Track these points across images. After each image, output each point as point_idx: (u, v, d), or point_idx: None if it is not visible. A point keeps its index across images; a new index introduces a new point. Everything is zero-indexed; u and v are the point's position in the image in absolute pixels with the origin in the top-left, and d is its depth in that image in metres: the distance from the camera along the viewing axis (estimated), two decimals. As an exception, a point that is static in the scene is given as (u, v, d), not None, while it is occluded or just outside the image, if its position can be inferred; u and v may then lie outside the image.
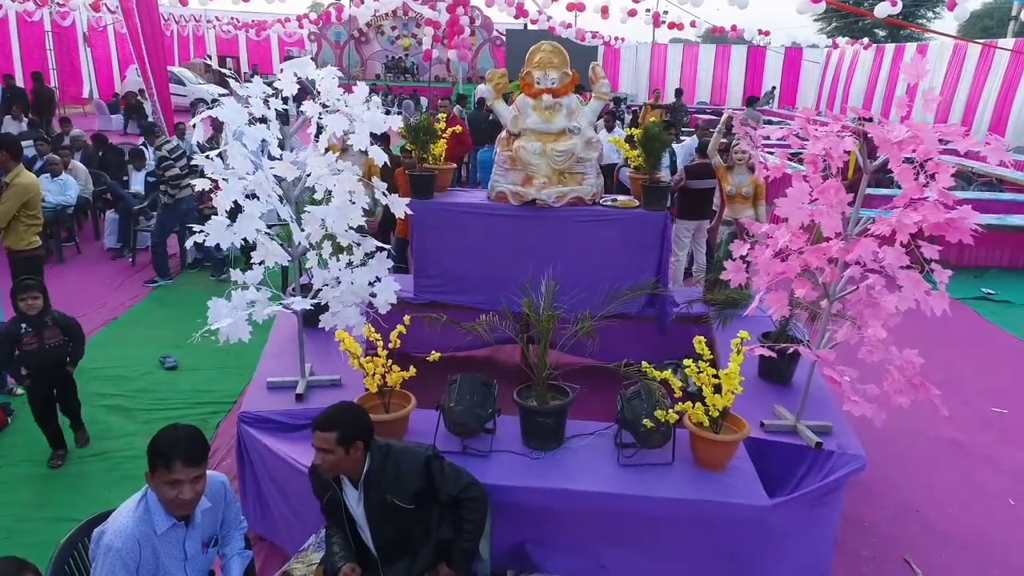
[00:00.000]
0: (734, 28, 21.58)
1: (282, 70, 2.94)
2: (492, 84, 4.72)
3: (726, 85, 27.87)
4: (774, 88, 26.38)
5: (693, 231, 6.61)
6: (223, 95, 2.85)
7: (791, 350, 3.12)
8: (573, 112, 4.61)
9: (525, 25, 20.84)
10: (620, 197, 4.83)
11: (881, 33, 33.60)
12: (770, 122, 21.88)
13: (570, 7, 16.57)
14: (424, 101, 22.08)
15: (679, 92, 17.09)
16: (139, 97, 16.20)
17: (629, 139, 4.80)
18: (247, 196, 2.81)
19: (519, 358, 4.91)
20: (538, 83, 4.55)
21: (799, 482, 3.02)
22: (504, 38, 26.14)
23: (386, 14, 25.70)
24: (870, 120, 7.80)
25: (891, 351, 2.85)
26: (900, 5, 12.20)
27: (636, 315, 4.65)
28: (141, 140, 10.26)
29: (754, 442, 3.07)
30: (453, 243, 4.70)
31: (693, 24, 18.74)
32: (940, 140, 2.63)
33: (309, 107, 3.01)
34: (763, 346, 3.05)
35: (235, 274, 3.01)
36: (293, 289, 3.37)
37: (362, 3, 16.17)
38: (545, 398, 2.92)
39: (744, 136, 4.00)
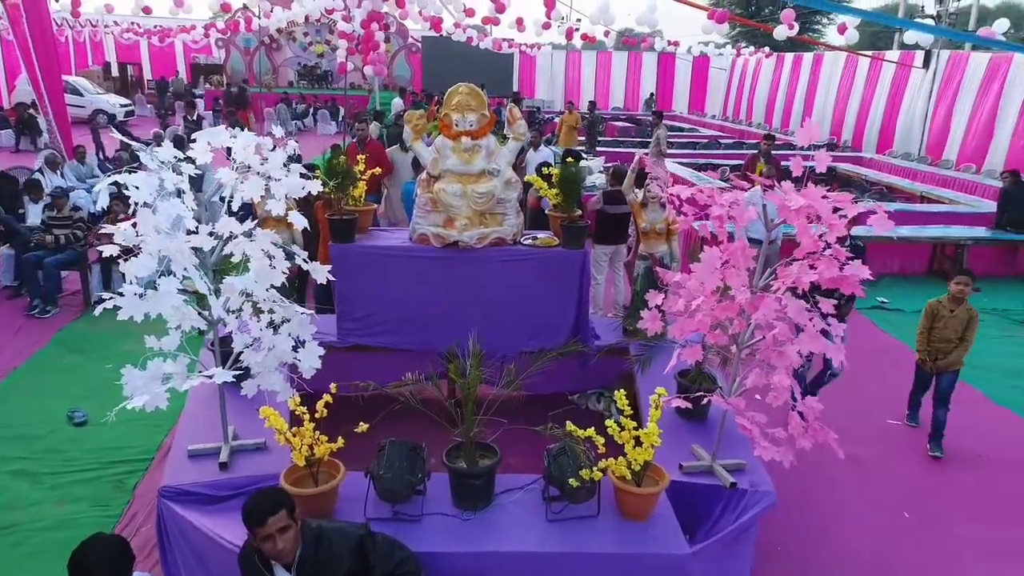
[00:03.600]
0: (645, 40, 22.22)
1: (194, 139, 2.88)
2: (411, 126, 4.74)
3: (638, 92, 28.70)
4: (652, 95, 27.25)
5: (611, 255, 6.80)
6: (132, 168, 2.77)
7: (705, 400, 3.29)
8: (492, 153, 4.69)
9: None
10: (540, 235, 4.95)
11: (780, 40, 35.30)
12: (680, 129, 22.72)
13: (485, 21, 16.68)
14: (341, 111, 21.74)
15: (592, 104, 17.49)
16: (31, 110, 15.26)
17: (547, 177, 4.91)
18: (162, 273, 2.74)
19: (446, 394, 4.96)
20: (456, 125, 4.60)
21: (716, 522, 3.20)
22: (420, 45, 26.02)
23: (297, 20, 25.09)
24: (773, 140, 8.13)
25: (795, 395, 3.05)
26: (796, 28, 12.86)
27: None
28: (37, 166, 9.70)
29: (674, 485, 3.21)
30: (376, 286, 4.70)
31: (607, 34, 19.14)
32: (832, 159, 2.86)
33: (224, 174, 2.96)
34: (680, 397, 3.20)
35: (150, 340, 2.93)
36: (211, 344, 3.28)
37: (271, 14, 15.76)
38: (474, 460, 2.98)
39: (654, 180, 4.20)
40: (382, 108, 17.42)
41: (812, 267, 2.94)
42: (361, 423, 2.89)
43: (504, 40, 21.75)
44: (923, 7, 19.97)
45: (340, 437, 2.94)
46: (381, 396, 3.30)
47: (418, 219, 4.71)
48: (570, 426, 2.91)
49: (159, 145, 2.96)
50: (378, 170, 5.56)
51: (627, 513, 2.97)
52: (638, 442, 2.89)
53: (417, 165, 6.38)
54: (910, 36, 13.47)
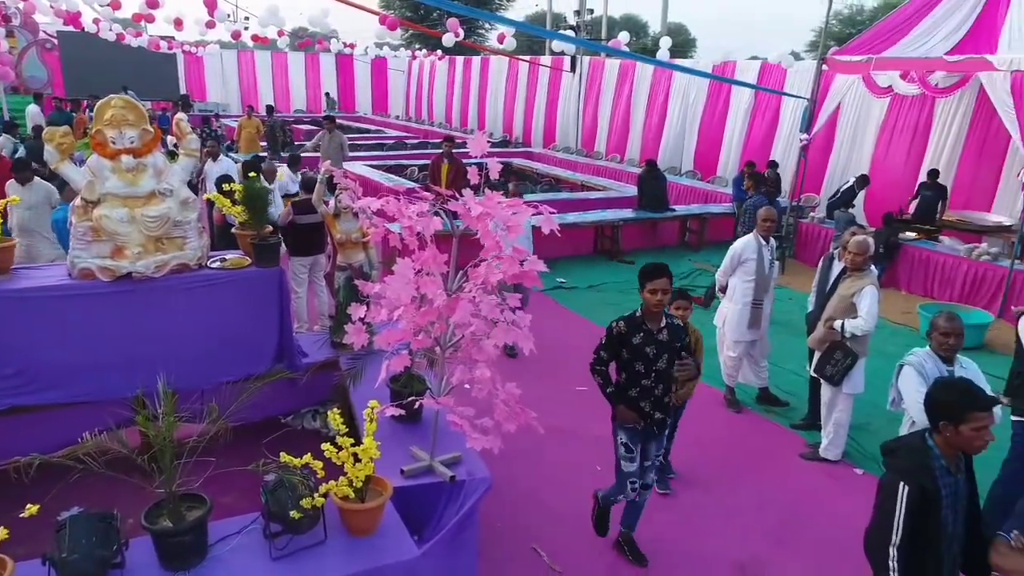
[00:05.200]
0: (320, 41, 21.88)
1: None
2: (53, 145, 4.09)
3: (319, 93, 28.19)
4: (328, 94, 27.36)
5: (309, 267, 6.64)
6: None
7: (417, 404, 3.41)
8: (161, 172, 4.27)
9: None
10: (229, 255, 4.65)
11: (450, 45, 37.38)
12: (366, 131, 22.90)
13: (136, 18, 14.93)
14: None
15: (270, 108, 16.79)
16: None
17: (229, 194, 4.61)
18: None
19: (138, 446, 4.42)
20: (114, 143, 4.09)
21: (441, 516, 3.36)
22: (56, 41, 22.40)
23: None
24: (453, 142, 8.48)
25: (497, 386, 3.32)
26: (462, 34, 13.76)
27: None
28: None
29: (398, 491, 3.29)
30: (31, 335, 4.00)
31: (280, 34, 18.45)
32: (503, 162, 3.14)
33: None
34: (393, 405, 3.28)
35: None
36: None
37: None
38: (179, 514, 2.71)
39: (345, 190, 4.18)
40: (12, 118, 14.67)
41: (497, 265, 3.22)
42: (29, 505, 2.45)
43: (163, 39, 19.70)
44: (566, 18, 22.77)
45: (3, 527, 2.46)
46: (53, 464, 2.83)
47: (77, 251, 4.10)
48: (285, 457, 2.80)
49: None
50: (16, 199, 4.71)
51: (355, 531, 2.97)
52: (357, 459, 2.90)
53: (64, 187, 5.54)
54: (557, 44, 15.23)
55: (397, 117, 27.64)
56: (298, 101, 28.22)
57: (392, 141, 20.01)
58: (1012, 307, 7.65)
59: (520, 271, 3.22)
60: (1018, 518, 2.50)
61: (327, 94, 27.39)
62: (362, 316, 3.28)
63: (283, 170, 9.12)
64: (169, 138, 9.09)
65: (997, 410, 3.28)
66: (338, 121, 13.85)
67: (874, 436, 5.38)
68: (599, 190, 13.33)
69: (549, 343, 6.88)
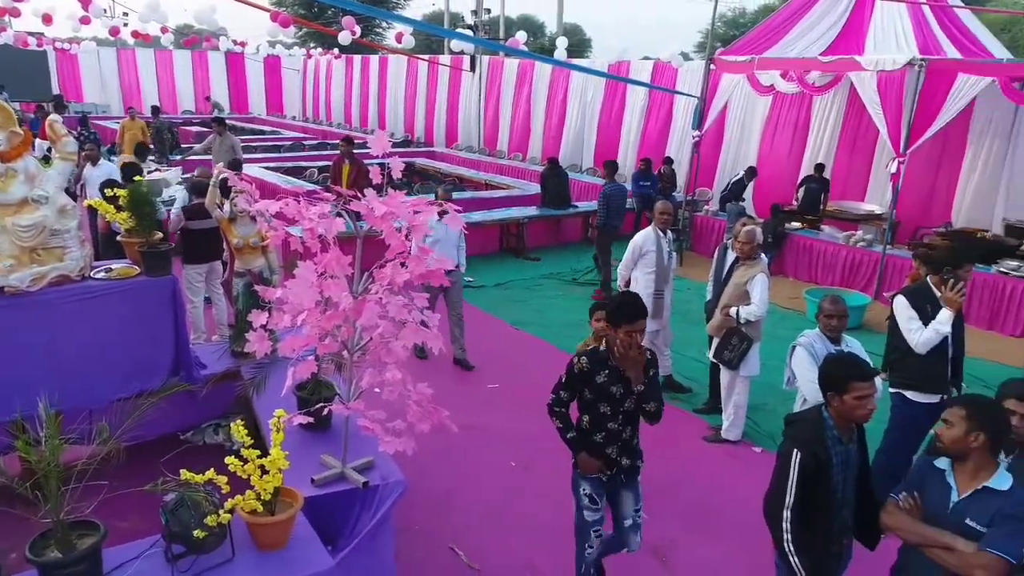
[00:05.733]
0: (208, 38, 20.91)
1: None
2: (-97, 150, 3.72)
3: (208, 94, 26.95)
4: (208, 98, 26.17)
5: (205, 274, 6.34)
6: None
7: (326, 411, 3.32)
8: (34, 177, 3.96)
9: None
10: (116, 265, 4.37)
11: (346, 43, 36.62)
12: (261, 132, 22.10)
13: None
14: None
15: (156, 109, 15.93)
16: None
17: (112, 199, 4.34)
18: None
19: (18, 474, 4.09)
20: (-24, 147, 3.76)
21: (356, 524, 3.29)
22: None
23: None
24: (352, 142, 8.32)
25: (408, 387, 3.28)
26: (359, 32, 13.51)
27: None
28: None
29: (309, 501, 3.19)
30: None
31: (164, 30, 17.51)
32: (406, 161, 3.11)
33: None
34: (301, 413, 3.18)
35: None
36: None
37: None
38: (69, 544, 2.53)
39: (240, 193, 4.02)
40: None
41: (403, 265, 3.19)
42: None
43: (31, 35, 18.26)
44: (463, 17, 22.78)
45: None
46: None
47: (-62, 266, 3.74)
48: (186, 474, 2.66)
49: None
50: None
51: (265, 545, 2.86)
52: (264, 471, 2.79)
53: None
54: (456, 44, 15.22)
55: (294, 118, 26.82)
56: (186, 102, 26.87)
57: (289, 142, 19.41)
58: (884, 293, 8.26)
59: (427, 271, 3.20)
60: (908, 482, 2.70)
61: (208, 98, 26.08)
62: (264, 323, 3.16)
63: (171, 175, 8.68)
64: (40, 141, 8.43)
65: (880, 384, 3.55)
66: (230, 123, 13.27)
67: (770, 415, 5.69)
68: (503, 188, 13.43)
69: (467, 343, 6.89)
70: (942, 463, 2.60)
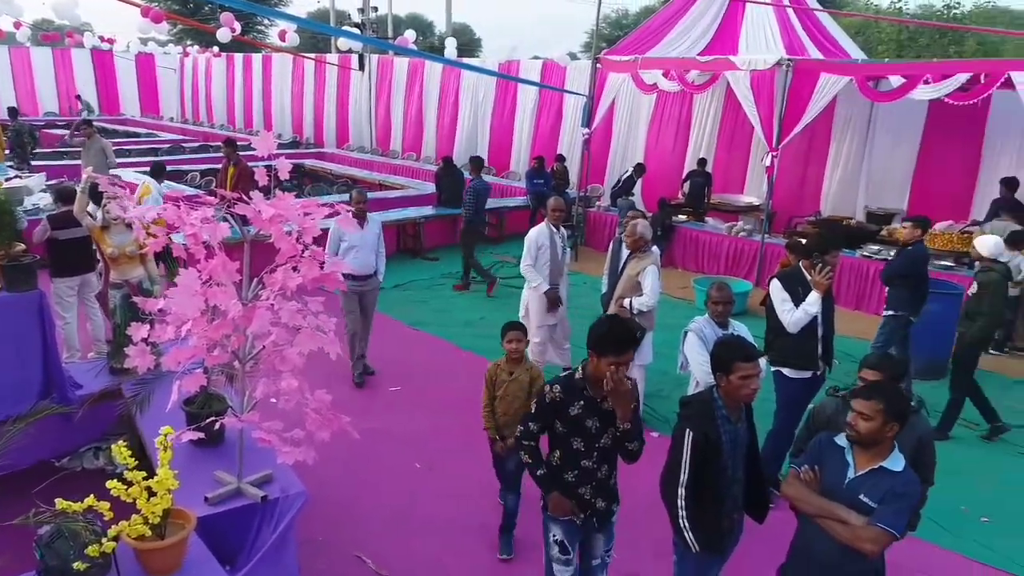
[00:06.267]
0: (69, 34, 19.42)
1: None
2: None
3: (74, 93, 25.04)
4: (79, 96, 24.28)
5: (77, 288, 5.90)
6: None
7: (218, 425, 3.17)
8: None
9: None
10: (-30, 281, 3.99)
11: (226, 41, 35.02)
12: (135, 135, 20.79)
13: None
14: None
15: (13, 111, 14.66)
16: None
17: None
18: None
19: None
20: None
21: (255, 540, 3.16)
22: None
23: None
24: (234, 145, 7.99)
25: (305, 395, 3.18)
26: (239, 29, 12.95)
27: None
28: None
29: (204, 521, 3.04)
30: None
31: (18, 25, 16.11)
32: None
33: None
34: (191, 429, 3.02)
35: None
36: None
37: None
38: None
39: (113, 199, 3.78)
40: None
41: (295, 269, 3.08)
42: None
43: None
44: (349, 15, 22.31)
45: None
46: None
47: None
48: (62, 503, 2.47)
49: None
50: None
51: (156, 571, 2.69)
52: (152, 493, 2.63)
53: None
54: (343, 42, 14.89)
55: (172, 119, 25.38)
56: (48, 103, 24.85)
57: (168, 145, 18.35)
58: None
59: (321, 274, 3.12)
60: (809, 455, 2.87)
61: (78, 97, 24.20)
62: (145, 336, 2.98)
63: (150, 183, 8.18)
64: None
65: (764, 365, 3.76)
66: (99, 125, 12.37)
67: (666, 401, 5.93)
68: (398, 188, 13.27)
69: (371, 349, 6.74)
70: (842, 440, 2.76)
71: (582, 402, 2.95)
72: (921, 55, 18.70)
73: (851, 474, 2.68)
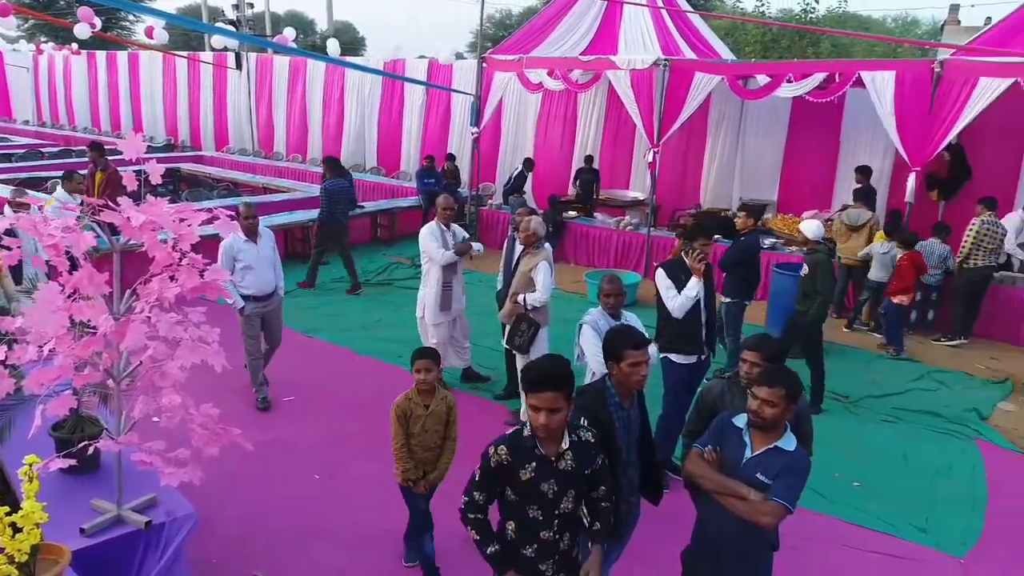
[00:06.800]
0: None
1: None
2: None
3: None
4: None
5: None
6: None
7: (91, 449, 2.95)
8: None
9: None
10: None
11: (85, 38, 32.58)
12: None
13: None
14: None
15: None
16: None
17: None
18: None
19: None
20: None
21: (140, 568, 2.97)
22: None
23: None
24: (101, 149, 7.49)
25: (190, 411, 3.01)
26: (99, 25, 12.07)
27: None
28: None
29: (80, 554, 2.82)
30: None
31: None
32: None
33: None
34: (59, 457, 2.78)
35: None
36: None
37: None
38: None
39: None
40: None
41: (173, 279, 2.91)
42: None
43: None
44: (224, 12, 21.30)
45: None
46: None
47: None
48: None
49: None
50: None
51: (26, 613, 2.47)
52: (17, 528, 2.40)
53: None
54: (217, 40, 14.21)
55: (27, 122, 23.33)
56: None
57: (22, 151, 16.86)
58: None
59: (202, 283, 2.96)
60: (710, 435, 2.98)
61: None
62: (2, 359, 2.72)
63: (56, 190, 7.39)
64: None
65: (653, 353, 3.90)
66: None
67: (563, 393, 6.04)
68: (284, 192, 12.81)
69: (233, 361, 6.41)
70: (740, 421, 2.90)
71: (534, 463, 2.52)
72: (784, 56, 20.04)
73: (748, 454, 2.81)
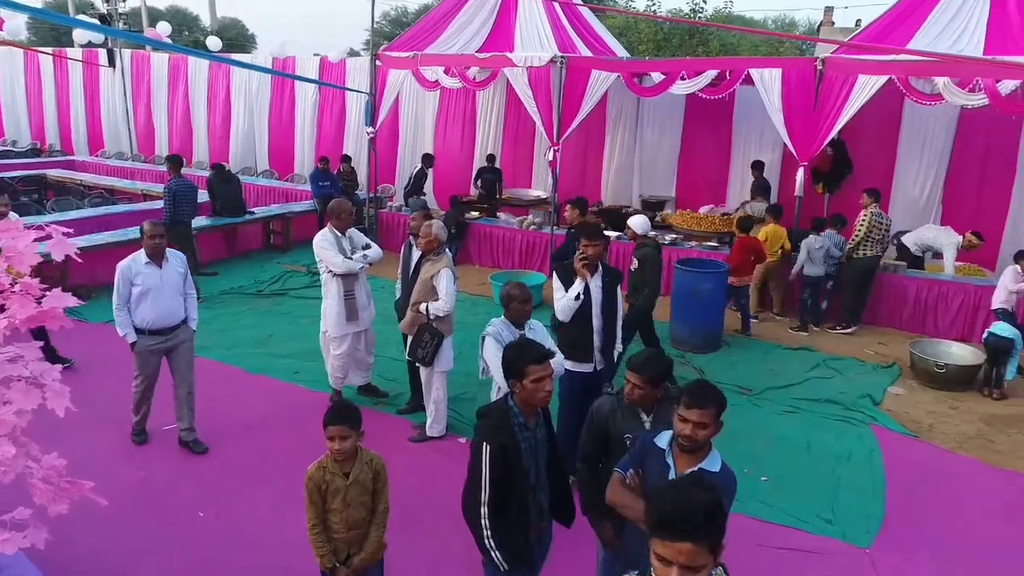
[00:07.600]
0: None
1: None
2: None
3: None
4: None
5: None
6: None
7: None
8: None
9: None
10: None
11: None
12: None
13: None
14: None
15: None
16: None
17: None
18: None
19: None
20: None
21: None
22: None
23: None
24: None
25: (29, 464, 2.57)
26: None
27: None
28: None
29: None
30: None
31: None
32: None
33: None
34: None
35: None
36: None
37: None
38: None
39: None
40: None
41: (2, 308, 2.47)
42: None
43: None
44: (93, 5, 19.72)
45: None
46: None
47: None
48: None
49: None
50: None
51: None
52: None
53: None
54: (79, 34, 13.05)
55: None
56: None
57: None
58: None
59: (39, 311, 2.53)
60: (632, 457, 2.74)
61: None
62: None
63: None
64: None
65: (557, 365, 3.69)
66: None
67: (472, 403, 5.80)
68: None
69: (118, 382, 5.75)
70: (662, 441, 2.65)
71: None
72: (676, 54, 20.54)
73: (672, 476, 2.58)
